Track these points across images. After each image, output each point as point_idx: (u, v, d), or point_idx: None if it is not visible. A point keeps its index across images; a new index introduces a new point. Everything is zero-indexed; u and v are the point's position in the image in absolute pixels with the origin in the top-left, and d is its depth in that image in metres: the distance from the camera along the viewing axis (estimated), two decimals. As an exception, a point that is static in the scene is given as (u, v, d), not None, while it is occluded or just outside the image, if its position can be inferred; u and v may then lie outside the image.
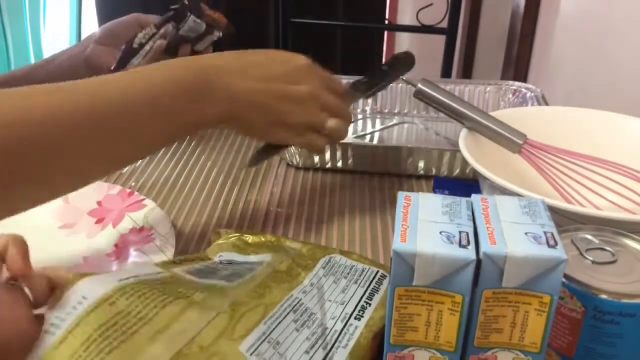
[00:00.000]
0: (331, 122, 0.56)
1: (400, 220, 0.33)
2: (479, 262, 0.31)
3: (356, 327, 0.39)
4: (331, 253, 0.47)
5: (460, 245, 0.31)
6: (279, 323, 0.37)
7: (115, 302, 0.32)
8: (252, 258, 0.46)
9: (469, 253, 0.31)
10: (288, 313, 0.38)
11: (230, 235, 0.49)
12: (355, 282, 0.44)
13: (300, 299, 0.40)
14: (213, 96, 0.49)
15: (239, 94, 0.50)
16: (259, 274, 0.42)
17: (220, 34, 0.73)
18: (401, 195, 0.36)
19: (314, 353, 0.36)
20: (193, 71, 0.49)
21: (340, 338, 0.38)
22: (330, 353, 0.37)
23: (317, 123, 0.55)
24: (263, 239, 0.49)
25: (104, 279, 0.34)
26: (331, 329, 0.39)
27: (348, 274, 0.45)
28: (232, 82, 0.50)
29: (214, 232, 0.51)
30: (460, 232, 0.32)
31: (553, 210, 0.37)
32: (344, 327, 0.39)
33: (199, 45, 0.74)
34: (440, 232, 0.32)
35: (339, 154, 0.73)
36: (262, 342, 0.35)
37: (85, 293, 0.32)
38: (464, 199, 0.36)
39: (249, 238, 0.49)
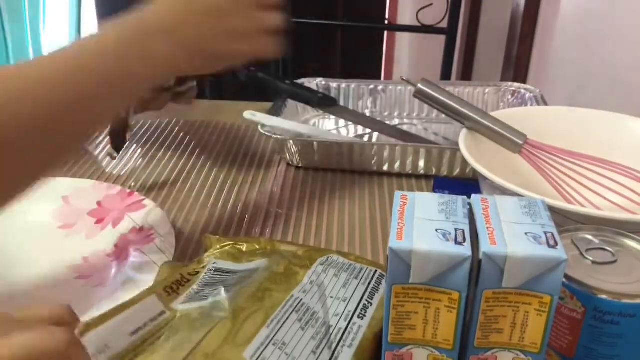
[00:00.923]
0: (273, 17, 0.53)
1: (396, 219, 0.33)
2: (479, 262, 0.31)
3: (360, 327, 0.39)
4: (328, 254, 0.47)
5: (456, 243, 0.31)
6: (283, 324, 0.37)
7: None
8: (246, 266, 0.46)
9: (465, 250, 0.31)
10: (291, 313, 0.38)
11: (224, 243, 0.49)
12: (356, 278, 0.44)
13: (301, 299, 0.40)
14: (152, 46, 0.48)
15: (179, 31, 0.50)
16: (257, 280, 0.42)
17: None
18: (398, 195, 0.36)
19: (321, 353, 0.36)
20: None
21: (344, 337, 0.38)
22: (336, 353, 0.37)
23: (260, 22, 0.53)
24: (257, 246, 0.49)
25: (114, 330, 0.35)
26: (335, 327, 0.39)
27: (348, 269, 0.45)
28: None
29: (205, 237, 0.51)
30: (456, 230, 0.32)
31: (553, 210, 0.37)
32: (348, 325, 0.39)
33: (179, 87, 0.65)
34: (436, 230, 0.32)
35: (339, 154, 0.73)
36: (266, 347, 0.35)
37: (99, 345, 0.34)
38: (460, 197, 0.36)
39: (243, 246, 0.49)
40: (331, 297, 0.41)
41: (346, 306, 0.41)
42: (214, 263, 0.45)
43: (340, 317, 0.40)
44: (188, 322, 0.36)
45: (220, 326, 0.34)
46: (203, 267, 0.45)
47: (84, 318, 0.45)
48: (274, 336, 0.36)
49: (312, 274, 0.43)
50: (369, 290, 0.43)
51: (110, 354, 0.33)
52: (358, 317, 0.40)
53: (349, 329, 0.39)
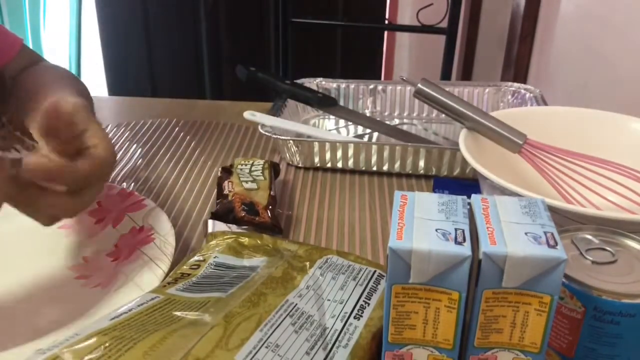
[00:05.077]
0: None
1: (396, 219, 0.33)
2: (479, 262, 0.31)
3: (356, 327, 0.39)
4: (328, 254, 0.47)
5: (456, 242, 0.31)
6: (277, 328, 0.37)
7: (108, 334, 0.33)
8: (247, 262, 0.46)
9: (465, 249, 0.31)
10: (284, 318, 0.38)
11: (227, 236, 0.49)
12: (354, 279, 0.44)
13: (296, 304, 0.40)
14: None
15: None
16: (253, 282, 0.42)
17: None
18: (397, 194, 0.36)
19: (315, 354, 0.36)
20: None
21: (340, 337, 0.38)
22: (331, 353, 0.37)
23: None
24: (259, 242, 0.49)
25: (96, 322, 0.35)
26: (331, 328, 0.39)
27: (346, 271, 0.45)
28: None
29: (209, 235, 0.51)
30: (456, 230, 0.32)
31: (553, 210, 0.37)
32: (344, 326, 0.39)
33: None
34: (436, 230, 0.32)
35: (339, 153, 0.73)
36: (259, 349, 0.35)
37: (77, 331, 0.33)
38: (460, 197, 0.36)
39: (245, 240, 0.49)
40: (328, 299, 0.41)
41: (343, 307, 0.41)
42: (216, 257, 0.45)
43: (337, 319, 0.40)
44: (176, 328, 0.36)
45: (211, 333, 0.34)
46: (204, 261, 0.45)
47: (84, 318, 0.45)
48: (267, 339, 0.35)
49: (309, 278, 0.43)
50: (367, 290, 0.43)
51: (83, 335, 0.33)
52: (354, 317, 0.40)
53: (344, 329, 0.39)
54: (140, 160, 0.77)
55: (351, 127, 0.86)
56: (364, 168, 0.74)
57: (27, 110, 0.55)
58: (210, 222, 0.56)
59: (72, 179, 0.44)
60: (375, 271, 0.46)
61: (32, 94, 0.56)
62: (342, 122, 0.87)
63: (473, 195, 0.36)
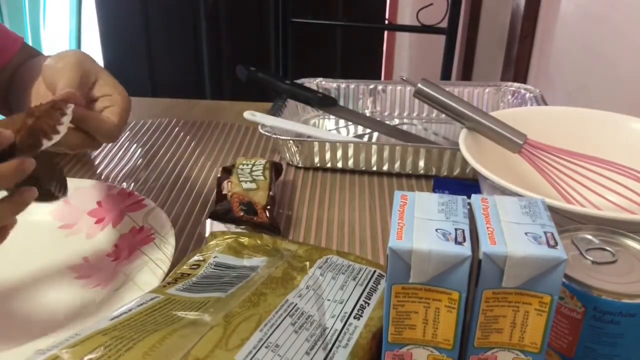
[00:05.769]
0: None
1: (396, 219, 0.33)
2: (479, 262, 0.31)
3: (356, 327, 0.39)
4: (328, 254, 0.47)
5: (456, 242, 0.31)
6: (276, 328, 0.37)
7: (108, 334, 0.33)
8: (247, 262, 0.46)
9: (465, 249, 0.31)
10: (284, 318, 0.38)
11: (227, 236, 0.49)
12: (354, 279, 0.44)
13: (296, 304, 0.40)
14: None
15: None
16: (253, 282, 0.42)
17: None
18: (397, 195, 0.36)
19: (315, 354, 0.36)
20: None
21: (340, 337, 0.38)
22: (331, 353, 0.37)
23: None
24: (259, 242, 0.49)
25: (96, 322, 0.35)
26: (331, 328, 0.39)
27: (346, 271, 0.45)
28: None
29: (209, 235, 0.51)
30: (456, 230, 0.32)
31: (553, 210, 0.37)
32: (344, 326, 0.39)
33: None
34: (436, 230, 0.32)
35: (339, 153, 0.73)
36: (259, 349, 0.35)
37: (77, 331, 0.33)
38: (460, 197, 0.36)
39: (245, 240, 0.49)
40: (328, 299, 0.41)
41: (343, 307, 0.41)
42: (216, 257, 0.45)
43: (337, 319, 0.40)
44: (176, 328, 0.36)
45: (210, 333, 0.34)
46: (204, 261, 0.45)
47: (84, 318, 0.45)
48: (267, 339, 0.35)
49: (309, 278, 0.43)
50: (367, 290, 0.43)
51: (84, 334, 0.33)
52: (354, 317, 0.40)
53: (344, 329, 0.39)
54: (140, 160, 0.77)
55: (351, 127, 0.86)
56: (364, 168, 0.74)
57: (26, 100, 0.55)
58: (208, 222, 0.56)
59: (107, 132, 0.50)
60: (375, 271, 0.46)
61: (27, 81, 0.57)
62: (342, 122, 0.87)
63: (473, 195, 0.36)
